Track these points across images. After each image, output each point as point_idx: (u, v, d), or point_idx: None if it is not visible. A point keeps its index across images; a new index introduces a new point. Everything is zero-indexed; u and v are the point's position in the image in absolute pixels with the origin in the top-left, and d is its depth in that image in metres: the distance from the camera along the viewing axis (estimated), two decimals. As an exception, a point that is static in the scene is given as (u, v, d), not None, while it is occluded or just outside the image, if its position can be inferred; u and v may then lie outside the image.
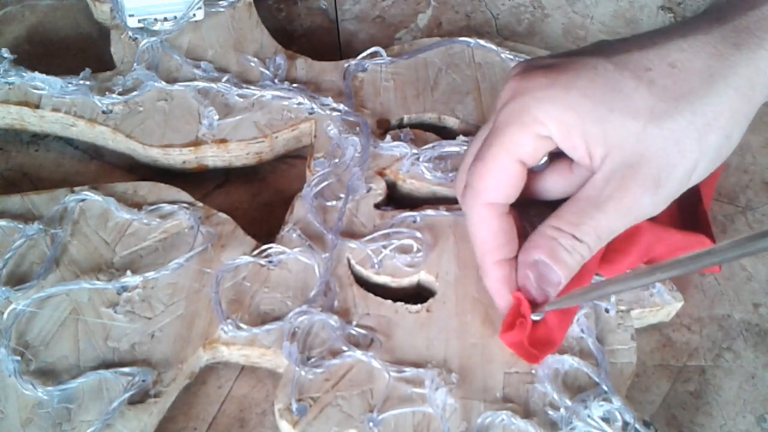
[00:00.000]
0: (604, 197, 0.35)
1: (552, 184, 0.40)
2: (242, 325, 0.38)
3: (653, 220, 0.41)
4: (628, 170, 0.35)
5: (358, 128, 0.46)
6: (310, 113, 0.46)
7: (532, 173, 0.40)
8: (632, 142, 0.34)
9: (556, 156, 0.39)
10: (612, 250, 0.39)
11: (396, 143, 0.45)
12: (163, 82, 0.47)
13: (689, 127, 0.34)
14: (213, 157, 0.45)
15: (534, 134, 0.36)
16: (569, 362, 0.37)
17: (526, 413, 0.36)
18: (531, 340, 0.37)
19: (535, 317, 0.37)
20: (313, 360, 0.37)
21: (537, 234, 0.37)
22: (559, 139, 0.36)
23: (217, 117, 0.45)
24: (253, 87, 0.47)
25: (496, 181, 0.37)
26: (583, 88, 0.35)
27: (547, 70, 0.36)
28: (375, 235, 0.41)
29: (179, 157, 0.45)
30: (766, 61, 0.34)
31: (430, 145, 0.45)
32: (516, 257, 0.38)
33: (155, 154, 0.45)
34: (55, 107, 0.46)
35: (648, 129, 0.34)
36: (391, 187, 0.45)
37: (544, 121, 0.35)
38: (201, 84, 0.47)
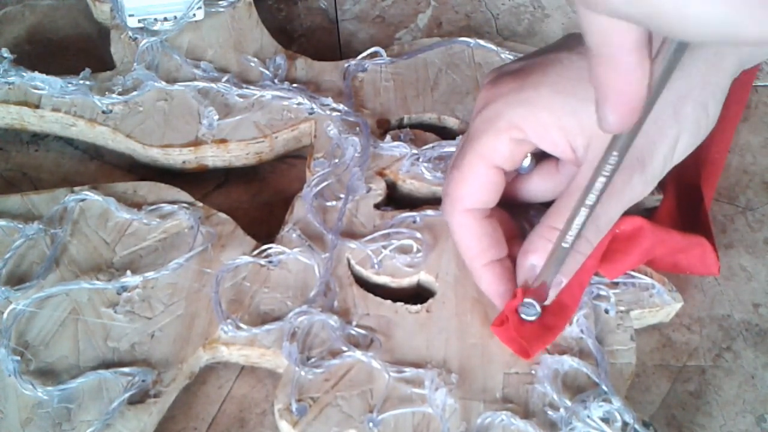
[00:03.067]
0: None
1: (541, 186, 0.40)
2: (242, 325, 0.38)
3: (654, 219, 0.41)
4: None
5: (358, 128, 0.46)
6: (310, 113, 0.46)
7: (520, 176, 0.40)
8: None
9: (542, 157, 0.39)
10: (613, 251, 0.39)
11: (396, 143, 0.45)
12: (163, 82, 0.47)
13: (663, 102, 0.34)
14: (213, 157, 0.45)
15: (508, 139, 0.36)
16: (569, 363, 0.37)
17: (526, 414, 0.36)
18: (521, 332, 0.37)
19: (529, 317, 0.37)
20: (312, 360, 0.37)
21: (533, 235, 0.37)
22: (536, 140, 0.36)
23: (217, 117, 0.45)
24: (253, 87, 0.47)
25: (472, 188, 0.37)
26: (553, 84, 0.35)
27: (516, 73, 0.37)
28: (375, 235, 0.41)
29: (179, 157, 0.45)
30: None
31: (430, 145, 0.45)
32: (508, 256, 0.38)
33: (155, 154, 0.45)
34: (55, 107, 0.46)
35: None
36: (391, 188, 0.45)
37: (519, 125, 0.36)
38: (201, 84, 0.47)
